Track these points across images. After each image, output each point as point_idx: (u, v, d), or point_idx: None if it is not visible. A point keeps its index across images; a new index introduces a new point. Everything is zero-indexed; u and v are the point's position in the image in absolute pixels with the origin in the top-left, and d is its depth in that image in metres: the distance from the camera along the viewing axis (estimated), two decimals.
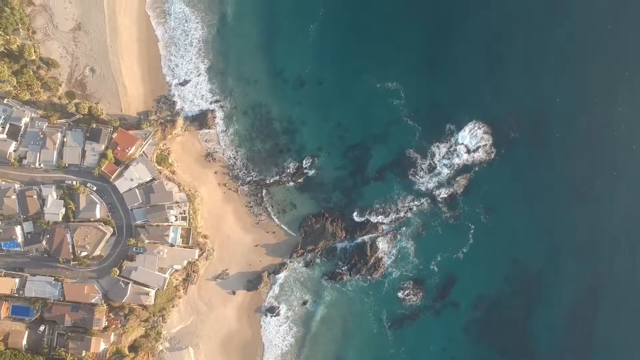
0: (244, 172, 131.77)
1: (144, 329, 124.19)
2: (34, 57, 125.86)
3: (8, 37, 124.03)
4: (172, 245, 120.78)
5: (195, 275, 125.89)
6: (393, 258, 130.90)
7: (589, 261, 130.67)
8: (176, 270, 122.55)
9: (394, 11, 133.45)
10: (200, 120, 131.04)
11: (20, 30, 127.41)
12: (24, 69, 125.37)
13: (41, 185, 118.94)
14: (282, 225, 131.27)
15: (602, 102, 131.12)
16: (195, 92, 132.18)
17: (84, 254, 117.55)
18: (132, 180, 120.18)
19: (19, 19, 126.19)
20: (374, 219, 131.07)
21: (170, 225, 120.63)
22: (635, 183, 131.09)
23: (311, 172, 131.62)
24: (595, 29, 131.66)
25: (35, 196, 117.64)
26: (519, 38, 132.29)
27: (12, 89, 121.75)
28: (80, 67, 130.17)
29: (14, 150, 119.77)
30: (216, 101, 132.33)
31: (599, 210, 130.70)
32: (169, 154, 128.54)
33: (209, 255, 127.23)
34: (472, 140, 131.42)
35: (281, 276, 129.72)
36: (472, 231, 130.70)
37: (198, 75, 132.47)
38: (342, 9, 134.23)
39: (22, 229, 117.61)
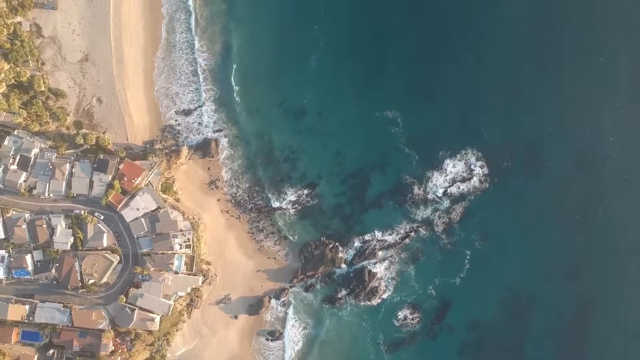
0: (246, 200, 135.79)
1: (149, 352, 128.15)
2: (43, 88, 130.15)
3: (19, 70, 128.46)
4: (176, 273, 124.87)
5: (198, 300, 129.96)
6: (391, 283, 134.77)
7: (580, 286, 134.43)
8: (180, 297, 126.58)
9: (392, 42, 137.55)
10: (204, 149, 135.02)
11: (30, 62, 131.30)
12: (34, 100, 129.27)
13: (50, 215, 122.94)
14: (283, 251, 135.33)
15: (593, 132, 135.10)
16: (199, 122, 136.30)
17: (91, 281, 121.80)
18: (138, 209, 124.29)
19: (29, 51, 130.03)
20: (372, 245, 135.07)
21: (175, 254, 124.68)
22: (626, 211, 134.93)
23: (311, 200, 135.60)
24: (587, 61, 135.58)
25: (44, 225, 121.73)
26: (514, 69, 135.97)
27: (22, 120, 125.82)
28: (87, 97, 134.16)
29: (24, 181, 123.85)
30: (219, 130, 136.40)
31: (591, 237, 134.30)
32: (173, 182, 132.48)
33: (212, 280, 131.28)
34: (467, 169, 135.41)
35: (282, 301, 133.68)
36: (467, 257, 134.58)
37: (202, 105, 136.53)
38: (342, 40, 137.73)
39: (32, 258, 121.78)
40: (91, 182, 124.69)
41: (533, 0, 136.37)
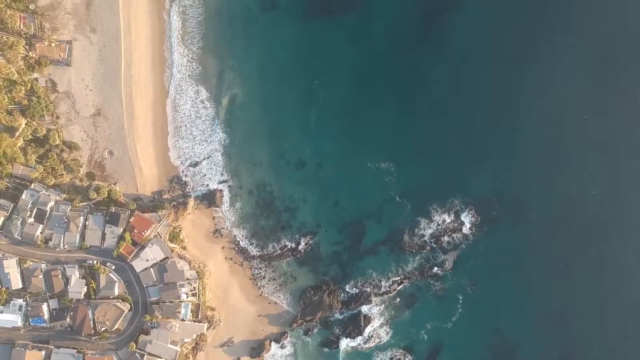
0: (248, 247, 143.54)
1: None
2: (57, 142, 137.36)
3: (35, 125, 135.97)
4: (183, 320, 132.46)
5: (203, 344, 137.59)
6: (385, 327, 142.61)
7: (564, 332, 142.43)
8: (186, 342, 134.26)
9: (387, 99, 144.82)
10: (209, 199, 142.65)
11: (46, 116, 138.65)
12: (49, 153, 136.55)
13: (65, 265, 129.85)
14: (284, 296, 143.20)
15: (577, 185, 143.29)
16: (205, 173, 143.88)
17: (104, 328, 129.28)
18: (147, 260, 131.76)
19: (45, 106, 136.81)
20: (368, 290, 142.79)
21: (182, 302, 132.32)
22: (607, 260, 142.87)
23: (310, 247, 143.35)
24: (573, 119, 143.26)
25: (60, 275, 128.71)
26: (503, 126, 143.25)
27: (39, 174, 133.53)
28: (99, 150, 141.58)
29: (41, 233, 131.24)
30: (224, 181, 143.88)
31: (574, 285, 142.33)
32: (180, 231, 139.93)
33: (216, 325, 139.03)
34: (457, 218, 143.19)
35: (282, 344, 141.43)
36: (460, 302, 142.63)
37: (207, 158, 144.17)
38: (340, 98, 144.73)
39: (48, 306, 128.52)
40: (103, 235, 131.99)
41: (518, 62, 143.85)
